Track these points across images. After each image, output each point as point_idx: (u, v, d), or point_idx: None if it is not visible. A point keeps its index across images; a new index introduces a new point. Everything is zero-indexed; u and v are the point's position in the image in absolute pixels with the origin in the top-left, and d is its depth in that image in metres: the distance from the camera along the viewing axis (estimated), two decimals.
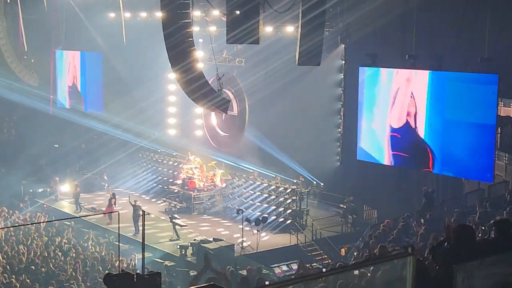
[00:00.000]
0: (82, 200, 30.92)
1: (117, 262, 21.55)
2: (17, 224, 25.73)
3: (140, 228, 26.43)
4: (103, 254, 23.26)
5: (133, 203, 27.06)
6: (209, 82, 20.83)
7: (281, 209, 27.17)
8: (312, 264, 18.39)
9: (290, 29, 26.85)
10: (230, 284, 13.50)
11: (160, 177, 33.26)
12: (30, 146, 36.09)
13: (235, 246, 23.86)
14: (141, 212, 26.51)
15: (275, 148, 29.91)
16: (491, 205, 17.43)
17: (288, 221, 26.62)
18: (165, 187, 32.31)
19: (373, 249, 15.51)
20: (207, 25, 28.03)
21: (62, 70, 38.81)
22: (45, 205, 31.27)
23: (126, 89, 35.76)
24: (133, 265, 22.14)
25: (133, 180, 33.88)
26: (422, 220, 19.30)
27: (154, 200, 32.03)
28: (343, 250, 23.17)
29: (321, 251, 24.86)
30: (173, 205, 30.27)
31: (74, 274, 20.53)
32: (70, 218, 27.92)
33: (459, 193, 22.77)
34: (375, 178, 26.60)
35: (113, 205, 28.81)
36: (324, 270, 18.44)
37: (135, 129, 35.39)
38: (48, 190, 33.06)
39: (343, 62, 28.24)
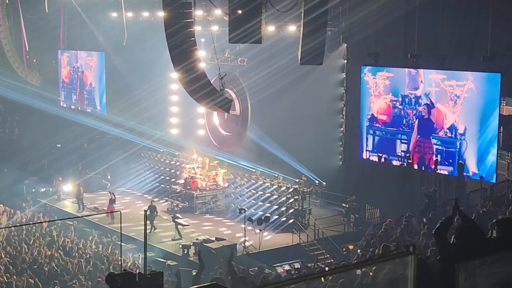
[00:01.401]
0: (84, 200, 30.92)
1: (120, 261, 21.56)
2: (18, 224, 25.74)
3: (155, 226, 26.59)
4: (106, 253, 23.27)
5: (150, 203, 27.28)
6: (211, 82, 20.81)
7: (283, 208, 27.16)
8: (314, 265, 18.31)
9: (292, 28, 26.84)
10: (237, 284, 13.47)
11: (162, 177, 33.25)
12: (32, 145, 36.13)
13: (237, 245, 23.87)
14: (156, 212, 26.67)
15: (277, 148, 29.90)
16: (493, 204, 17.39)
17: (291, 221, 26.60)
18: (168, 186, 32.33)
19: (375, 248, 15.50)
20: (209, 25, 28.02)
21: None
22: (47, 204, 31.33)
23: (128, 89, 35.76)
24: (134, 263, 22.14)
25: (135, 179, 33.90)
26: (424, 220, 19.26)
27: (156, 199, 31.94)
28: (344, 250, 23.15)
29: (324, 250, 24.85)
30: (175, 204, 30.29)
31: (77, 274, 20.54)
32: (72, 218, 27.96)
33: (461, 192, 22.71)
34: (377, 177, 26.56)
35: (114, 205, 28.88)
36: (326, 269, 18.41)
37: (137, 129, 35.41)
38: (50, 189, 33.06)
39: (345, 61, 28.22)
